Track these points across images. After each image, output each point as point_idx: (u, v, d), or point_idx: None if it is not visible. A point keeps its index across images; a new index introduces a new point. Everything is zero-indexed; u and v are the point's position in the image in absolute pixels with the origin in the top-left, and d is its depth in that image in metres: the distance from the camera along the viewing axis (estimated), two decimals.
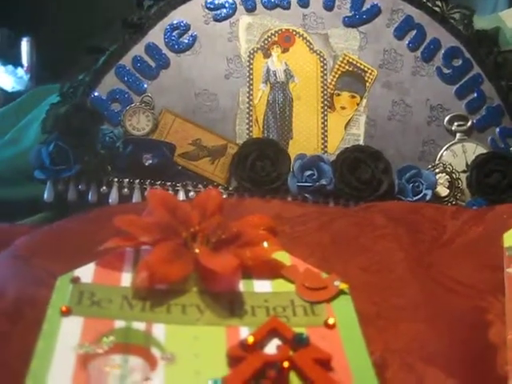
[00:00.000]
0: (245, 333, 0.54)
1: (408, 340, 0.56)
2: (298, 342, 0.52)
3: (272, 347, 0.53)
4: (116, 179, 0.89)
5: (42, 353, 0.50)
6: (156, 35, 0.93)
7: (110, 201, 0.89)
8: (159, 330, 0.54)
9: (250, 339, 0.52)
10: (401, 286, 0.60)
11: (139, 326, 0.54)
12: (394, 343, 0.55)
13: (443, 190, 0.92)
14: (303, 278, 0.60)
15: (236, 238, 0.62)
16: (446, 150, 0.94)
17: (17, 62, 1.74)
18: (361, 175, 0.89)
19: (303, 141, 0.93)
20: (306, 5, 0.95)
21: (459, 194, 0.92)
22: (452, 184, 0.92)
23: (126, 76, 0.92)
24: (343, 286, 0.60)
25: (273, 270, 0.62)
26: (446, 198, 0.92)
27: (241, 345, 0.52)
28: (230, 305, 0.57)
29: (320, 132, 0.94)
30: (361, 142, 0.94)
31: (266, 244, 0.63)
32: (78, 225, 0.74)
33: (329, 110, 0.94)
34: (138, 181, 0.89)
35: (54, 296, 0.56)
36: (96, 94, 0.91)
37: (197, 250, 0.60)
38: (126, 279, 0.60)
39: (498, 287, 0.62)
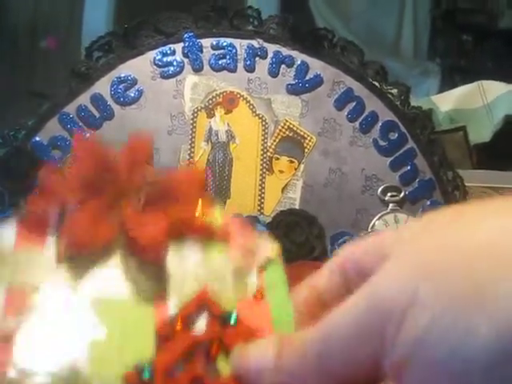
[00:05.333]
0: (173, 305, 0.51)
1: None
2: (227, 320, 0.50)
3: (201, 323, 0.50)
4: None
5: None
6: (103, 86, 0.94)
7: None
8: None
9: (178, 317, 0.49)
10: None
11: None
12: None
13: None
14: (235, 243, 0.55)
15: (166, 195, 0.56)
16: (378, 219, 0.96)
17: None
18: (295, 238, 0.90)
19: (240, 201, 0.95)
20: (252, 69, 0.98)
21: None
22: None
23: (69, 124, 0.92)
24: (274, 253, 0.55)
25: (204, 232, 0.56)
26: None
27: (169, 322, 0.49)
28: (159, 274, 0.53)
29: (257, 194, 0.95)
30: (296, 206, 0.95)
31: (199, 202, 0.57)
32: None
33: (267, 172, 0.96)
34: None
35: None
36: (37, 139, 0.91)
37: (124, 212, 0.54)
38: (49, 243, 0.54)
39: None
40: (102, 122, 0.93)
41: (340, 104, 0.99)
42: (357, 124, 0.99)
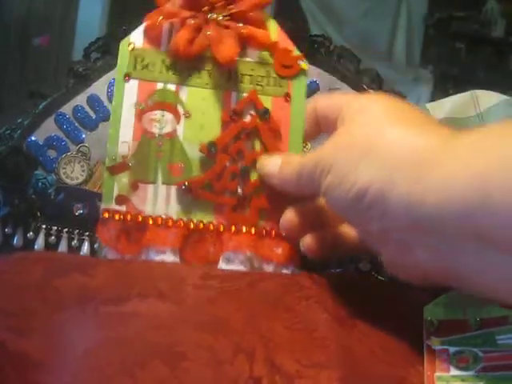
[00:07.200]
0: (234, 97, 0.80)
1: None
2: (264, 115, 0.79)
3: (248, 115, 0.80)
4: (44, 226, 0.88)
5: (115, 108, 0.81)
6: (100, 87, 0.94)
7: (35, 247, 0.88)
8: (183, 91, 0.80)
9: (236, 108, 0.80)
10: (322, 345, 0.61)
11: (171, 87, 0.80)
12: None
13: (365, 266, 0.95)
14: (280, 56, 0.81)
15: (238, 15, 0.80)
16: None
17: None
18: None
19: None
20: None
21: (380, 270, 0.95)
22: (373, 260, 0.95)
23: (65, 124, 0.92)
24: (303, 66, 0.83)
25: (262, 44, 0.81)
26: (368, 273, 0.95)
27: (231, 112, 0.79)
28: (229, 72, 0.80)
29: None
30: None
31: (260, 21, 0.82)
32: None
33: None
34: (66, 230, 0.88)
35: (119, 62, 0.82)
36: (33, 138, 0.91)
37: (209, 33, 0.79)
38: (163, 46, 0.81)
39: (418, 357, 0.63)
40: (97, 123, 0.93)
41: None
42: None
